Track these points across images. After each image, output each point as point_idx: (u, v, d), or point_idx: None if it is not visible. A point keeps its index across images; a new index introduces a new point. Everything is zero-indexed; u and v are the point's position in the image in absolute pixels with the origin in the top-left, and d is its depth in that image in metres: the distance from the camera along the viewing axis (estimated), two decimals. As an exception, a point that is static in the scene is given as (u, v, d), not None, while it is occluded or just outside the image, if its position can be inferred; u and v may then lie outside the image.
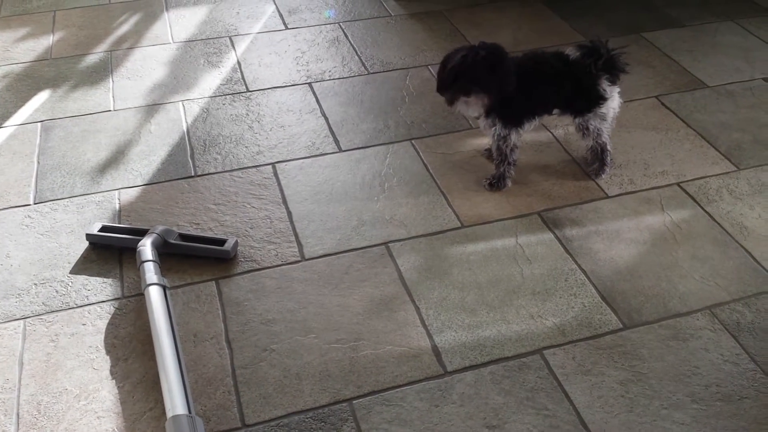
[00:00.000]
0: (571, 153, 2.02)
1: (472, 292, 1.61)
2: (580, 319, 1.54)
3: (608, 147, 1.90)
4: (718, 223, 1.79)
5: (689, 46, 2.53)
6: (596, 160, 1.93)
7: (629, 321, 1.54)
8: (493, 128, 1.82)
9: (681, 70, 2.40)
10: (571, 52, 1.80)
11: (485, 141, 2.06)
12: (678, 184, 1.91)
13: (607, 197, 1.87)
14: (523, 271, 1.66)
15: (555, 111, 1.87)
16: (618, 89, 1.84)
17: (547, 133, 2.10)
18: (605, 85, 1.79)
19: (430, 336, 1.51)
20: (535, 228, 1.77)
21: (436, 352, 1.48)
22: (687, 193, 1.89)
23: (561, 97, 1.82)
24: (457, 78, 1.74)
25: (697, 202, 1.85)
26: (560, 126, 2.13)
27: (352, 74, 2.38)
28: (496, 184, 1.88)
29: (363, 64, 2.43)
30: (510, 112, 1.80)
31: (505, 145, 1.83)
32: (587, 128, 1.85)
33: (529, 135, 2.09)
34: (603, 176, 1.92)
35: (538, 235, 1.75)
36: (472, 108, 1.80)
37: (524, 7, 2.80)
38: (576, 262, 1.68)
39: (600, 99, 1.80)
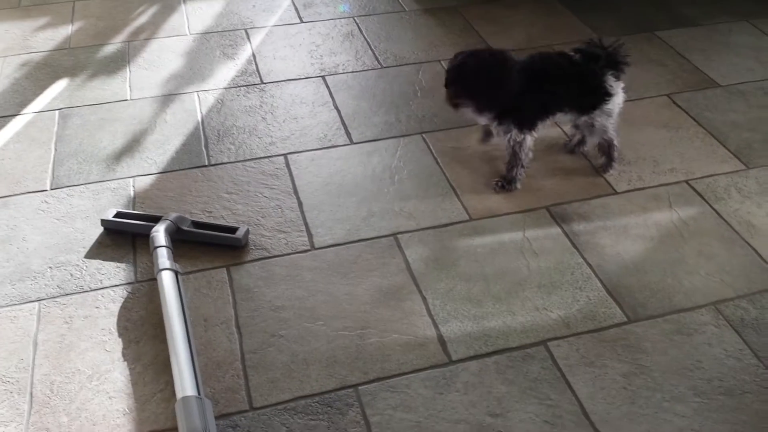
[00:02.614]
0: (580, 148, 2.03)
1: (479, 284, 1.63)
2: (585, 312, 1.56)
3: (615, 142, 1.91)
4: (726, 221, 1.79)
5: (702, 45, 2.53)
6: (604, 156, 1.94)
7: (634, 315, 1.55)
8: (509, 134, 1.81)
9: (693, 69, 2.40)
10: (573, 54, 1.81)
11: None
12: (686, 182, 1.92)
13: (616, 193, 1.88)
14: (530, 264, 1.68)
15: (566, 109, 1.87)
16: (622, 84, 1.84)
17: (556, 128, 2.11)
18: (611, 81, 1.80)
19: (436, 325, 1.53)
20: (543, 222, 1.79)
21: (441, 341, 1.50)
22: (695, 190, 1.89)
23: (571, 96, 1.82)
24: (448, 87, 1.76)
25: (705, 200, 1.86)
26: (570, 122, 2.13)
27: (366, 68, 2.40)
28: (506, 186, 1.88)
29: (376, 58, 2.45)
30: (523, 115, 1.80)
31: (520, 149, 1.83)
32: (593, 125, 1.86)
33: (539, 131, 2.10)
34: (611, 171, 1.93)
35: (545, 229, 1.77)
36: (477, 117, 1.82)
37: (537, 3, 2.80)
38: (582, 257, 1.69)
39: (606, 95, 1.81)
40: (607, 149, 1.92)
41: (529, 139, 1.84)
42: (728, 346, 1.48)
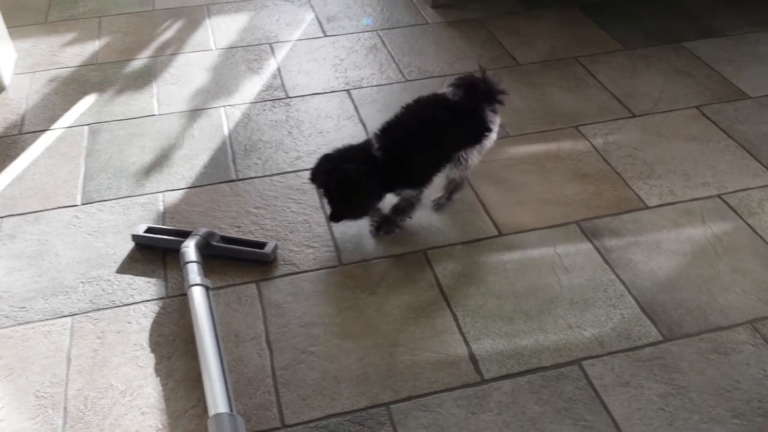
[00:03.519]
0: (610, 162, 2.02)
1: (510, 301, 1.61)
2: (619, 330, 1.54)
3: (465, 181, 1.83)
4: (760, 236, 1.76)
5: (730, 56, 2.50)
6: (445, 193, 1.85)
7: (669, 333, 1.53)
8: (410, 194, 1.75)
9: (722, 81, 2.37)
10: (449, 91, 1.75)
11: (522, 149, 2.07)
12: (719, 196, 1.90)
13: (647, 208, 1.86)
14: (561, 280, 1.66)
15: (457, 155, 1.76)
16: (498, 120, 1.79)
17: (585, 142, 2.10)
18: (491, 117, 1.74)
19: (467, 343, 1.52)
20: (574, 238, 1.77)
21: (473, 359, 1.49)
22: (728, 205, 1.87)
23: (457, 142, 1.74)
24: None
25: (738, 215, 1.83)
26: (599, 135, 2.12)
27: (390, 81, 2.40)
28: (385, 229, 1.78)
29: (400, 72, 2.45)
30: (414, 180, 1.72)
31: (418, 201, 1.77)
32: (466, 159, 1.76)
33: (567, 144, 2.09)
34: (444, 209, 1.84)
35: (576, 244, 1.75)
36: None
37: (561, 15, 2.79)
38: (615, 273, 1.67)
39: (486, 131, 1.74)
40: (453, 187, 1.83)
41: (424, 192, 1.76)
42: (767, 366, 1.46)
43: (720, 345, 1.50)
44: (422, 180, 1.74)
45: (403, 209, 1.78)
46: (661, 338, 1.52)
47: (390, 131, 1.70)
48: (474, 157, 1.79)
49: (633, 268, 1.68)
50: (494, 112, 1.78)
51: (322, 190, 1.71)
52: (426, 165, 1.73)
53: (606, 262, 1.70)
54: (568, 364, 1.47)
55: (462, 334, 1.54)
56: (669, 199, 1.89)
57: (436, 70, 2.46)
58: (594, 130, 2.15)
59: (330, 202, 1.69)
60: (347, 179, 1.62)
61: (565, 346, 1.51)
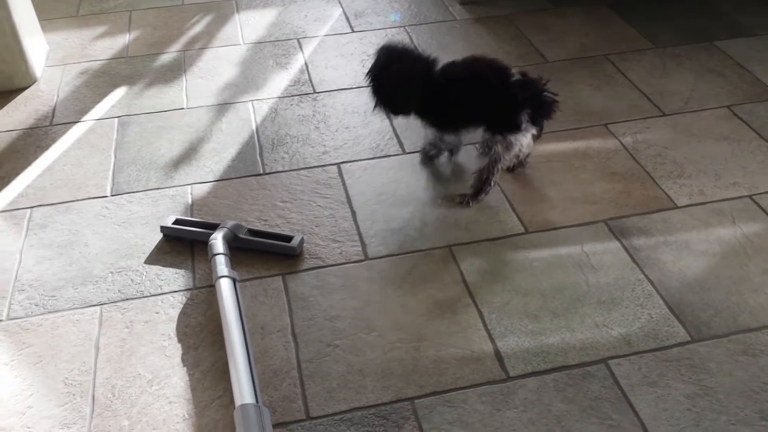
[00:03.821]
0: (639, 161, 1.99)
1: (536, 298, 1.61)
2: (646, 330, 1.52)
3: (492, 180, 1.83)
4: (793, 238, 1.74)
5: (762, 56, 2.46)
6: (473, 185, 1.86)
7: (697, 334, 1.51)
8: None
9: (754, 80, 2.34)
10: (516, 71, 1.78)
11: (550, 147, 2.06)
12: (750, 197, 1.87)
13: (677, 207, 1.84)
14: (589, 279, 1.65)
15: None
16: (534, 131, 1.79)
17: (614, 140, 2.08)
18: (525, 119, 1.74)
19: (492, 340, 1.52)
20: (602, 236, 1.76)
21: (498, 356, 1.48)
22: (759, 206, 1.84)
23: (486, 114, 1.79)
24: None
25: (770, 216, 1.81)
26: (628, 134, 2.10)
27: (417, 77, 2.39)
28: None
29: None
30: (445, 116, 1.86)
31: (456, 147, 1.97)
32: (489, 147, 1.79)
33: (596, 142, 2.07)
34: (470, 206, 1.85)
35: (604, 243, 1.74)
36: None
37: (590, 12, 2.77)
38: (643, 272, 1.66)
39: (515, 128, 1.75)
40: (481, 180, 1.84)
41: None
42: (798, 369, 1.43)
43: (749, 346, 1.48)
44: (449, 124, 1.88)
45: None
46: (689, 339, 1.50)
47: (453, 66, 1.84)
48: (498, 148, 1.78)
49: (661, 268, 1.67)
50: (532, 121, 1.76)
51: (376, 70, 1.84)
52: (460, 114, 1.83)
53: (634, 261, 1.69)
54: (595, 363, 1.46)
55: (487, 330, 1.54)
56: (699, 199, 1.86)
57: (463, 66, 2.45)
58: (623, 128, 2.13)
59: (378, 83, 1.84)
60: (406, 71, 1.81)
61: (591, 345, 1.50)
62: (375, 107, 1.87)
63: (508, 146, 1.78)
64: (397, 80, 1.81)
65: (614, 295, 1.61)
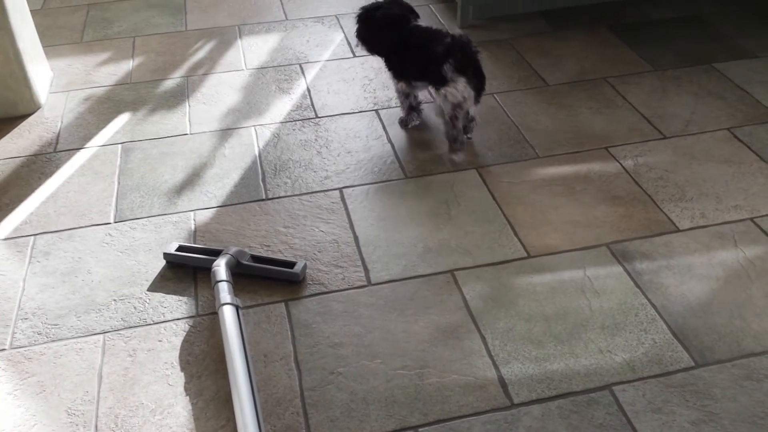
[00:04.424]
0: (640, 184, 2.00)
1: (539, 324, 1.60)
2: (650, 355, 1.52)
3: (455, 131, 2.09)
4: (796, 261, 1.74)
5: (762, 78, 2.48)
6: (449, 143, 2.14)
7: (701, 359, 1.51)
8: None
9: (754, 102, 2.35)
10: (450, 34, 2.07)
11: (551, 171, 2.07)
12: (751, 220, 1.87)
13: (678, 231, 1.84)
14: (592, 304, 1.64)
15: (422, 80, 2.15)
16: (464, 79, 1.99)
17: (615, 163, 2.09)
18: (449, 70, 1.98)
19: (496, 366, 1.51)
20: (604, 260, 1.76)
21: (502, 383, 1.48)
22: (761, 228, 1.84)
23: (421, 68, 2.09)
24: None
25: (772, 239, 1.81)
26: (629, 157, 2.11)
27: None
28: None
29: (429, 92, 2.46)
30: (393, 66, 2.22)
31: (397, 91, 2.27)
32: (440, 109, 2.11)
33: (597, 165, 2.08)
34: (455, 157, 2.13)
35: (606, 267, 1.74)
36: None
37: (590, 35, 2.79)
38: (646, 297, 1.65)
39: (443, 79, 2.00)
40: (449, 137, 2.12)
41: (400, 86, 2.23)
42: (804, 395, 1.43)
43: (753, 371, 1.48)
44: (406, 71, 2.19)
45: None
46: (693, 364, 1.50)
47: (418, 27, 2.18)
48: (439, 101, 2.09)
49: (664, 292, 1.67)
50: (457, 70, 1.99)
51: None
52: (413, 61, 2.14)
53: (637, 285, 1.69)
54: (599, 389, 1.45)
55: (491, 357, 1.53)
56: (701, 222, 1.87)
57: (464, 90, 2.47)
58: (624, 151, 2.14)
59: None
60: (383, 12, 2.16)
61: (595, 371, 1.49)
62: (357, 44, 2.24)
63: (445, 97, 2.04)
64: (383, 21, 2.15)
65: (617, 320, 1.60)
